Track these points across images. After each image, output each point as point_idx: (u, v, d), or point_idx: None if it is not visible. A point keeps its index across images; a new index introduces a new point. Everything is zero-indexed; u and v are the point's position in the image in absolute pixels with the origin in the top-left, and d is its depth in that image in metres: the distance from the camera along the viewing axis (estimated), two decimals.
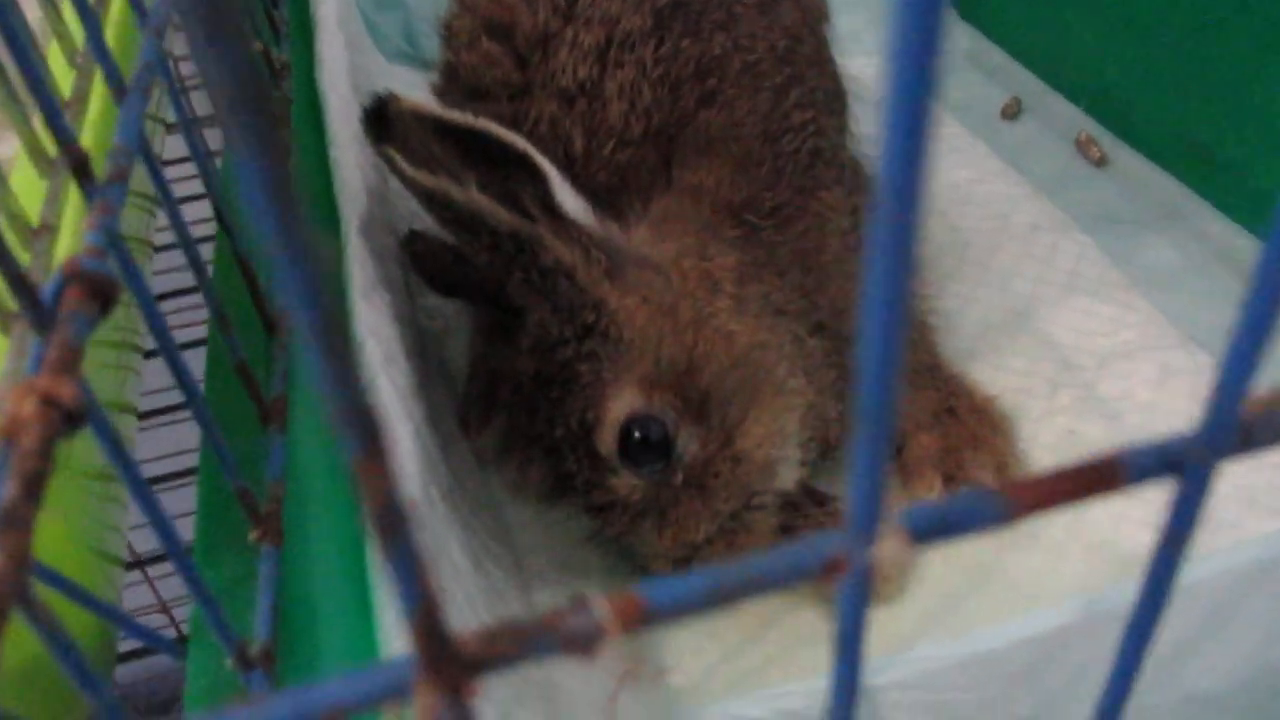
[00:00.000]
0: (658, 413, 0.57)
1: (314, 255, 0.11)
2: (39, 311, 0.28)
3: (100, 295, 0.29)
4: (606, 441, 0.58)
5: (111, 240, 0.31)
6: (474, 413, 0.77)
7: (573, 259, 0.58)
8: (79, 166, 0.31)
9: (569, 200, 0.58)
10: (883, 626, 0.65)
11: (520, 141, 0.57)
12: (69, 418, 0.25)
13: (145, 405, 0.93)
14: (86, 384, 0.27)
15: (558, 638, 0.17)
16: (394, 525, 0.14)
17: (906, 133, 0.13)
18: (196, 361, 0.79)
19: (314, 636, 0.41)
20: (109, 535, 0.61)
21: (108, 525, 0.61)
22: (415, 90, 0.95)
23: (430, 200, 0.58)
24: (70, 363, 0.26)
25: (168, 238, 0.57)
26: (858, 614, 0.18)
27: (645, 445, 0.57)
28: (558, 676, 0.63)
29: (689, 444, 0.58)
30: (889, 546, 0.17)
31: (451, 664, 0.17)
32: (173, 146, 0.90)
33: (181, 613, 1.13)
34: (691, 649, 0.63)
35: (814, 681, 0.61)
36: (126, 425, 0.68)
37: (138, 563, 0.89)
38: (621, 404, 0.57)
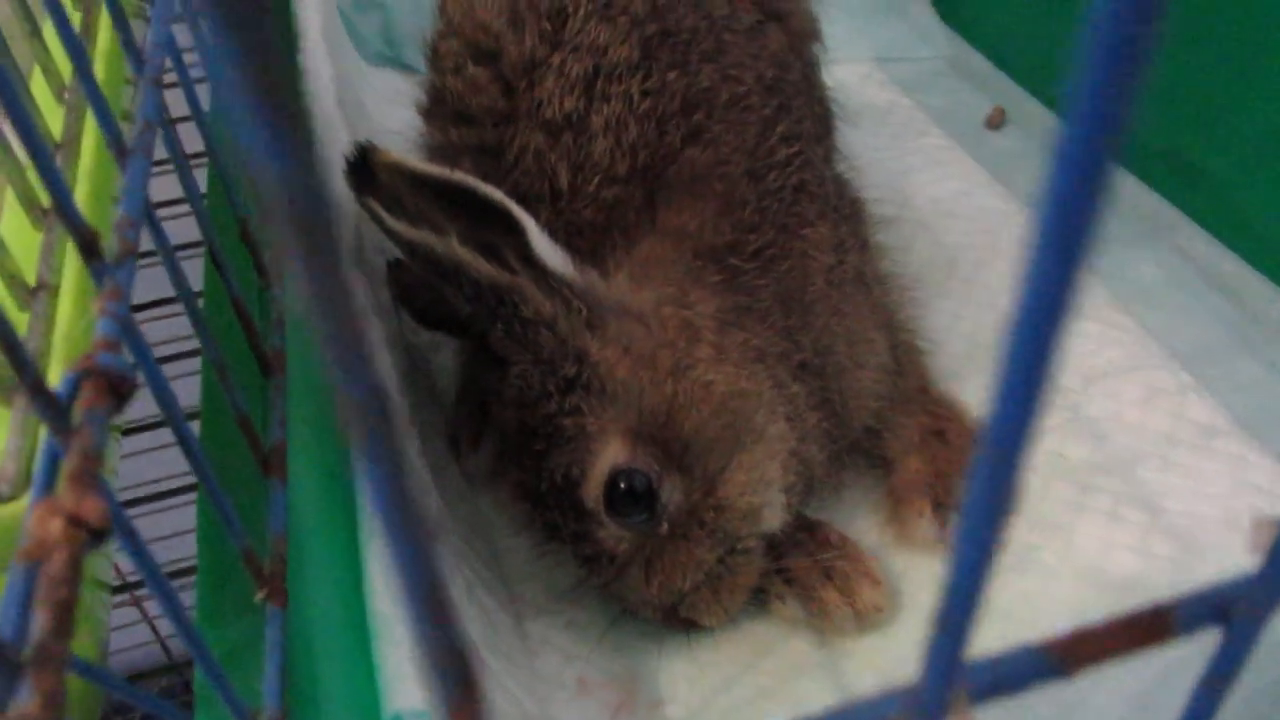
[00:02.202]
0: (641, 465, 0.57)
1: (425, 543, 0.11)
2: (55, 411, 0.27)
3: (116, 391, 0.28)
4: (592, 495, 0.58)
5: (125, 326, 0.30)
6: (464, 434, 0.76)
7: (553, 310, 0.58)
8: (88, 247, 0.31)
9: (547, 251, 0.58)
10: (876, 652, 0.65)
11: (497, 194, 0.57)
12: (94, 533, 0.25)
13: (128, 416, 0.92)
14: (110, 490, 0.26)
15: None
16: None
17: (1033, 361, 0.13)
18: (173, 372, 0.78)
19: (317, 697, 0.41)
20: (98, 560, 0.60)
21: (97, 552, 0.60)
22: (397, 96, 0.94)
23: (412, 251, 0.57)
24: (92, 471, 0.26)
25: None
26: None
27: (630, 498, 0.58)
28: (554, 709, 0.63)
29: (673, 494, 0.58)
30: None
31: None
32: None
33: (165, 625, 1.12)
34: (686, 679, 0.63)
35: (805, 715, 0.62)
36: (110, 438, 0.67)
37: (124, 586, 0.88)
38: (606, 459, 0.58)
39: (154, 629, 1.15)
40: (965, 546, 0.14)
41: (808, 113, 0.72)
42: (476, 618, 0.62)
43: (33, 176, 0.45)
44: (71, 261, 0.40)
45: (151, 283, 1.02)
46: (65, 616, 0.23)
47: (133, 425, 0.84)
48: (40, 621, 0.22)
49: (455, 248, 0.57)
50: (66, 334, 0.37)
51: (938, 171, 1.02)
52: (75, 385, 0.28)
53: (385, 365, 0.59)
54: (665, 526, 0.59)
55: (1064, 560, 0.68)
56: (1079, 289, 0.13)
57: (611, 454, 0.57)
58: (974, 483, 0.14)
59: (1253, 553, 0.20)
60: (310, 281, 0.10)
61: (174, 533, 1.17)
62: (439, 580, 0.12)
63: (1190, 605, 0.19)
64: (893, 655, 0.65)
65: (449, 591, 0.12)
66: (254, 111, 0.09)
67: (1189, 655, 0.26)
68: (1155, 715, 0.56)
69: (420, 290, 0.73)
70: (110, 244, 0.32)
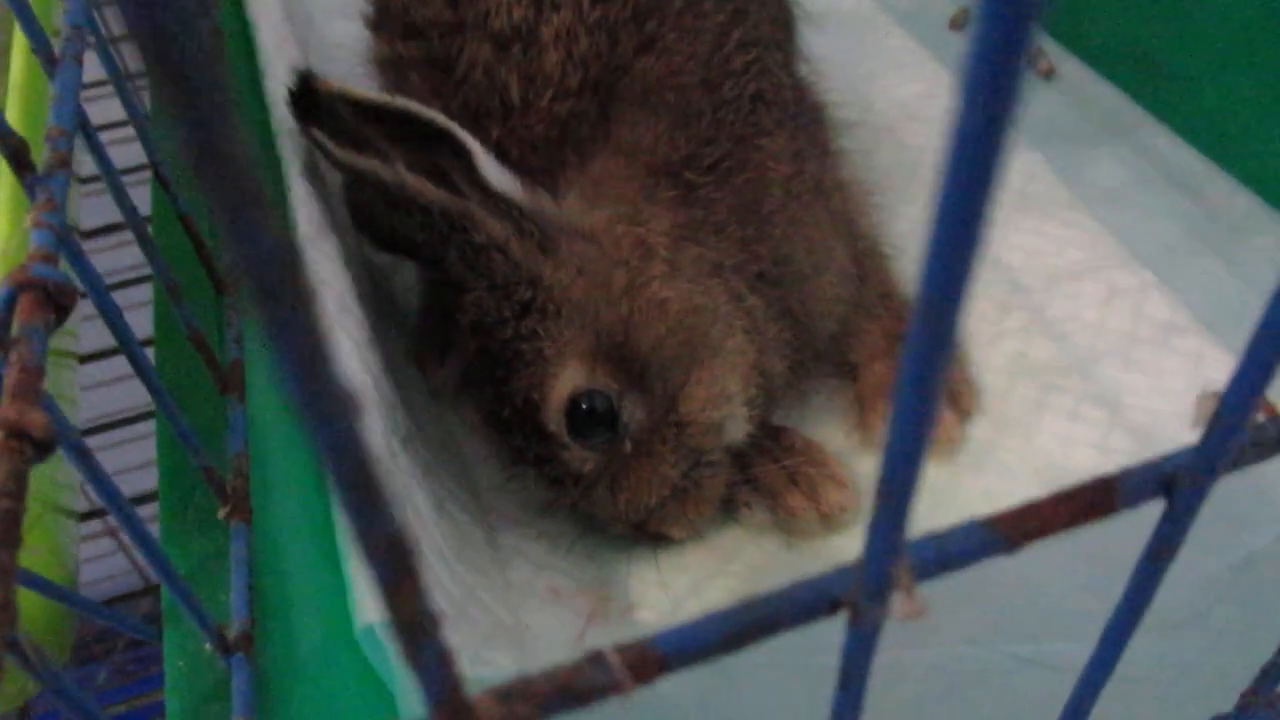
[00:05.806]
0: (601, 386, 0.58)
1: (342, 411, 0.11)
2: None
3: (55, 303, 0.27)
4: (553, 419, 0.58)
5: (61, 237, 0.29)
6: (429, 351, 0.76)
7: (505, 234, 0.57)
8: (16, 157, 0.29)
9: (495, 174, 0.57)
10: (842, 552, 0.66)
11: (441, 118, 0.56)
12: (38, 445, 0.25)
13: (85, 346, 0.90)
14: (54, 404, 0.26)
15: (575, 694, 0.18)
16: (423, 632, 0.14)
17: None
18: (135, 298, 0.76)
19: (288, 612, 0.41)
20: (62, 489, 0.59)
21: (60, 480, 0.59)
22: (346, 9, 0.91)
23: (361, 180, 0.56)
24: (33, 384, 0.25)
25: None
26: (863, 661, 0.18)
27: (591, 419, 0.58)
28: (527, 617, 0.64)
29: (634, 413, 0.59)
30: (897, 601, 0.17)
31: None
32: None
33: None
34: (657, 584, 0.64)
35: (754, 594, 0.63)
36: (66, 366, 0.66)
37: (95, 512, 0.88)
38: (565, 381, 0.58)
39: (130, 556, 1.15)
40: (901, 417, 0.14)
41: (765, 16, 0.70)
42: (449, 532, 0.62)
43: None
44: (8, 177, 0.39)
45: (100, 210, 1.00)
46: (11, 526, 0.23)
47: (91, 353, 0.83)
48: None
49: (403, 174, 0.56)
50: (3, 251, 0.36)
51: (901, 74, 1.00)
52: (11, 299, 0.27)
53: (313, 249, 0.58)
54: (628, 445, 0.59)
55: (1024, 458, 0.69)
56: (1003, 154, 0.13)
57: (570, 376, 0.58)
58: (907, 351, 0.14)
59: (1195, 426, 0.20)
60: (191, 129, 0.09)
61: (144, 463, 1.17)
62: (366, 458, 0.12)
63: (1134, 478, 0.20)
64: (859, 549, 0.66)
65: (377, 470, 0.12)
66: None
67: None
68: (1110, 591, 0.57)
69: (376, 213, 0.72)
70: (42, 155, 0.31)
